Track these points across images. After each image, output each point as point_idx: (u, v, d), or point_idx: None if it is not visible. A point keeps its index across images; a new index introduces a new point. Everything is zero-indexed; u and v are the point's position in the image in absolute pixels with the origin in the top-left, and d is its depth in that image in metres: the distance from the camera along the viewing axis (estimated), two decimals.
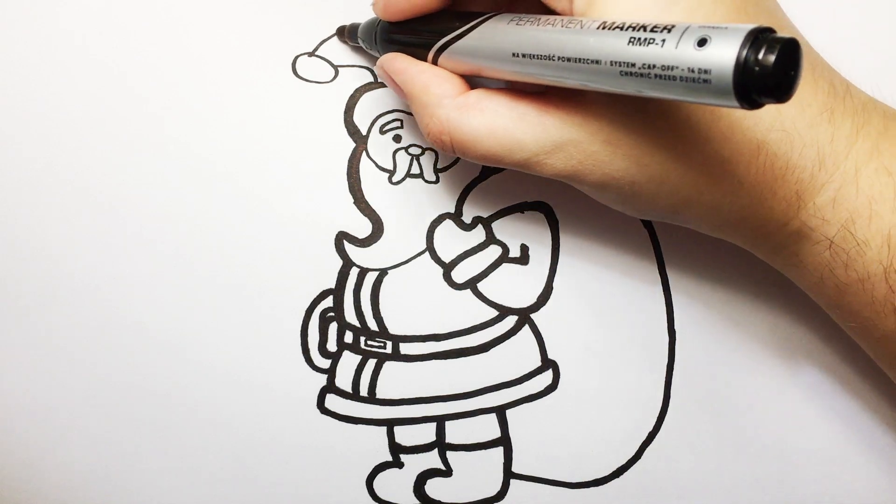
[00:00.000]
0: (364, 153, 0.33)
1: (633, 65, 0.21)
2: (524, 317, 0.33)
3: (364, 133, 0.33)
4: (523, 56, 0.25)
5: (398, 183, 0.33)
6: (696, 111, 0.26)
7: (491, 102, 0.27)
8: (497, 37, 0.26)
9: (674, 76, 0.20)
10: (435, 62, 0.28)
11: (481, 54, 0.26)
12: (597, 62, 0.22)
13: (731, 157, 0.26)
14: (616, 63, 0.22)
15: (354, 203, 0.33)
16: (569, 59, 0.23)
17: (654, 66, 0.21)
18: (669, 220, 0.29)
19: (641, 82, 0.21)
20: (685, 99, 0.21)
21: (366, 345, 0.33)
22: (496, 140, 0.26)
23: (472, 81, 0.28)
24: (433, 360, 0.33)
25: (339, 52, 0.34)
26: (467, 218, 0.33)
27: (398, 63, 0.29)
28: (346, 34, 0.33)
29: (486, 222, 0.33)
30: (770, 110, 0.26)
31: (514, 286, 0.33)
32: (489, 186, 0.33)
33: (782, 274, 0.30)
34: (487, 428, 0.33)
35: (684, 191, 0.26)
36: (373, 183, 0.33)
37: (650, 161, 0.26)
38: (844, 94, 0.27)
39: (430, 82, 0.28)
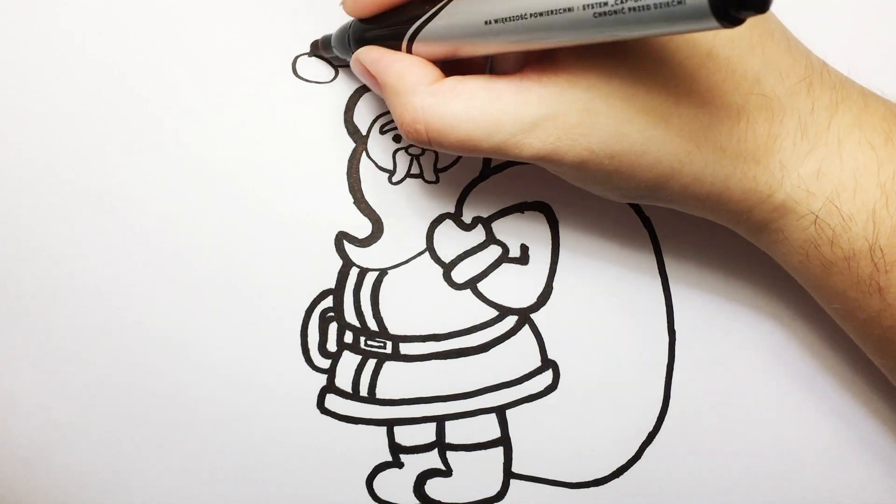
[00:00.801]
0: (364, 153, 0.33)
1: (607, 2, 0.21)
2: (524, 317, 0.33)
3: (364, 133, 0.33)
4: (496, 22, 0.24)
5: (398, 183, 0.33)
6: (674, 75, 0.25)
7: (466, 86, 0.26)
8: (466, 9, 0.26)
9: (649, 5, 0.20)
10: (409, 51, 0.28)
11: (454, 32, 0.26)
12: (569, 9, 0.22)
13: (712, 123, 0.26)
14: (589, 6, 0.21)
15: (354, 203, 0.33)
16: (541, 14, 0.23)
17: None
18: (652, 200, 0.28)
19: (618, 22, 0.21)
20: (664, 31, 0.21)
21: (366, 345, 0.33)
22: (473, 123, 0.26)
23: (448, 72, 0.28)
24: (433, 360, 0.33)
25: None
26: (467, 218, 0.33)
27: (373, 53, 0.29)
28: (321, 47, 0.33)
29: (486, 222, 0.33)
30: (748, 76, 0.26)
31: (514, 286, 0.33)
32: (489, 186, 0.33)
33: (783, 273, 0.30)
34: (487, 428, 0.33)
35: (665, 161, 0.26)
36: (373, 183, 0.33)
37: (630, 129, 0.25)
38: (821, 70, 0.28)
39: (405, 70, 0.27)
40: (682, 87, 0.26)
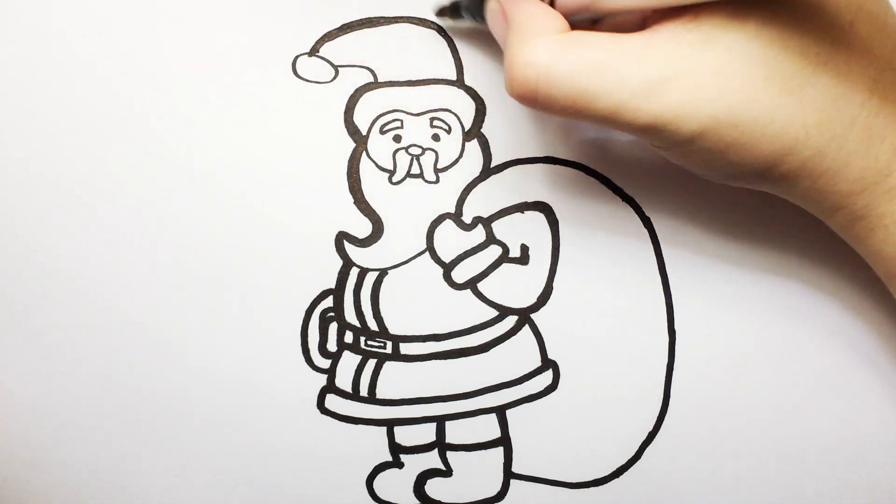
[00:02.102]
0: (364, 153, 0.33)
1: None
2: (524, 317, 0.33)
3: (364, 133, 0.33)
4: None
5: (398, 183, 0.33)
6: (816, 42, 0.25)
7: (593, 38, 0.25)
8: None
9: None
10: (551, 3, 0.27)
11: None
12: None
13: (846, 94, 0.25)
14: None
15: (354, 203, 0.33)
16: None
17: None
18: (760, 182, 0.27)
19: None
20: None
21: (366, 345, 0.33)
22: (596, 76, 0.25)
23: None
24: (433, 360, 0.33)
25: (340, 52, 0.34)
26: (467, 218, 0.33)
27: None
28: (449, 12, 0.32)
29: (486, 222, 0.33)
30: (885, 52, 0.26)
31: (514, 286, 0.33)
32: (489, 186, 0.33)
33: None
34: (487, 428, 0.33)
35: (792, 131, 0.25)
36: (373, 183, 0.33)
37: (762, 95, 0.25)
38: None
39: (539, 14, 0.26)
40: (822, 54, 0.25)
